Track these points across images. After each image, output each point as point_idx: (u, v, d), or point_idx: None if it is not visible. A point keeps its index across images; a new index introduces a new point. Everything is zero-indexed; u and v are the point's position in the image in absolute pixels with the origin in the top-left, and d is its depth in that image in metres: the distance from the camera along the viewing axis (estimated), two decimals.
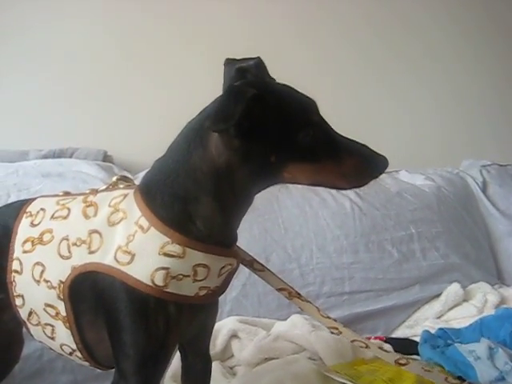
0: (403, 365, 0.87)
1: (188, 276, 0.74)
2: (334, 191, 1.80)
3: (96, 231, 0.76)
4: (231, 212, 0.76)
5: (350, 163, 0.73)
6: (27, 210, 0.86)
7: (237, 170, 0.73)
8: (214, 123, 0.66)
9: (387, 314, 1.61)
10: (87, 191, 0.85)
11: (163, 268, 0.72)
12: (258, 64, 0.80)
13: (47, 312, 0.80)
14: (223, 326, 1.36)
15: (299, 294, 0.93)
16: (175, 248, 0.73)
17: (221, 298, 1.46)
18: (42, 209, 0.85)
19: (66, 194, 0.89)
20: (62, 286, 0.77)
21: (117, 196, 0.79)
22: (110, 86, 1.85)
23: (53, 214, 0.82)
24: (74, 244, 0.77)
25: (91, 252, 0.75)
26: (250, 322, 1.40)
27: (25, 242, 0.82)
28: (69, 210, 0.81)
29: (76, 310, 0.78)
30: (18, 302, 0.84)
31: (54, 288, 0.78)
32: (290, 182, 0.76)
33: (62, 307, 0.78)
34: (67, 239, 0.78)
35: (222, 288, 0.82)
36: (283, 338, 1.30)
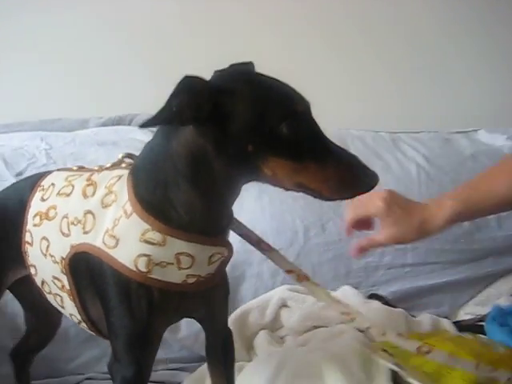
0: (426, 353, 0.82)
1: (172, 264, 0.72)
2: (399, 154, 1.69)
3: (90, 212, 0.76)
4: (213, 200, 0.72)
5: (335, 169, 0.68)
6: (41, 184, 0.88)
7: (213, 158, 0.69)
8: (148, 121, 0.63)
9: (454, 289, 1.50)
10: (95, 167, 0.86)
11: (145, 255, 0.71)
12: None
13: (55, 284, 0.83)
14: (273, 296, 1.34)
15: (307, 276, 0.91)
16: (155, 236, 0.71)
17: (274, 269, 1.46)
18: (52, 184, 0.86)
19: (80, 168, 0.90)
20: (63, 262, 0.79)
21: (114, 177, 0.78)
22: (171, 51, 1.84)
23: (59, 191, 0.84)
24: (72, 223, 0.78)
25: (85, 232, 0.76)
26: (301, 291, 1.35)
27: (35, 215, 0.85)
28: (73, 187, 0.82)
29: (78, 285, 0.80)
30: (32, 270, 0.88)
31: (57, 263, 0.80)
32: (272, 183, 0.71)
33: (65, 281, 0.80)
34: (67, 217, 0.79)
35: (217, 275, 0.79)
36: None
